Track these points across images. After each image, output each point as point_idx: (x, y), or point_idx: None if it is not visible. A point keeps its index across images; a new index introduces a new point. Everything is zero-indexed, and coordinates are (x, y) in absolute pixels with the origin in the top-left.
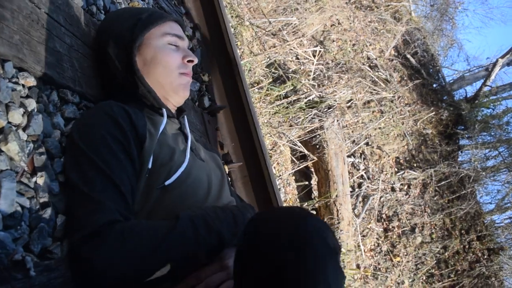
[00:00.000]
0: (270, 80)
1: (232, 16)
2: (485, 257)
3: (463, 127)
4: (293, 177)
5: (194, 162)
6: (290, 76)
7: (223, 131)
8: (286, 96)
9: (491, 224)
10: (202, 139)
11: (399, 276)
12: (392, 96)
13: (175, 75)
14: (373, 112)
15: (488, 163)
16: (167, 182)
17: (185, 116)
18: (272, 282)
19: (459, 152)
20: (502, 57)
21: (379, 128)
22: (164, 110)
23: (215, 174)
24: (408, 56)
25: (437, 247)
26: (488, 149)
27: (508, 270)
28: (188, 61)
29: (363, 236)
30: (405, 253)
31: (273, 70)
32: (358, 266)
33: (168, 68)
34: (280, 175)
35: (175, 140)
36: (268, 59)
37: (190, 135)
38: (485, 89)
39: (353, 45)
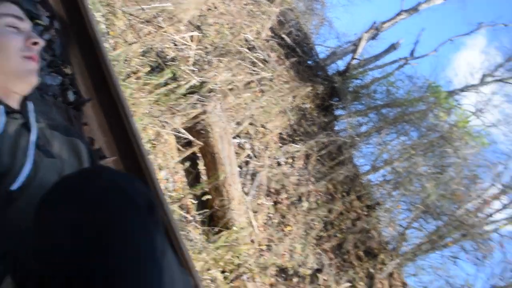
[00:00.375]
0: (148, 69)
1: (102, 5)
2: (365, 213)
3: (337, 99)
4: (181, 165)
5: (40, 162)
6: (169, 64)
7: (93, 126)
8: (166, 84)
9: (367, 183)
10: (64, 123)
11: (291, 244)
12: (271, 75)
13: (18, 59)
14: (254, 92)
15: (361, 129)
16: (9, 190)
17: (30, 107)
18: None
19: (336, 122)
20: (367, 32)
21: (261, 107)
22: (1, 107)
23: (69, 169)
24: (284, 36)
25: (323, 211)
26: (360, 116)
27: (384, 222)
28: (33, 44)
29: (255, 212)
30: (295, 222)
31: (150, 59)
32: (252, 241)
33: (9, 52)
34: (167, 165)
35: (18, 140)
36: (145, 48)
37: (35, 130)
38: (354, 62)
39: (231, 28)
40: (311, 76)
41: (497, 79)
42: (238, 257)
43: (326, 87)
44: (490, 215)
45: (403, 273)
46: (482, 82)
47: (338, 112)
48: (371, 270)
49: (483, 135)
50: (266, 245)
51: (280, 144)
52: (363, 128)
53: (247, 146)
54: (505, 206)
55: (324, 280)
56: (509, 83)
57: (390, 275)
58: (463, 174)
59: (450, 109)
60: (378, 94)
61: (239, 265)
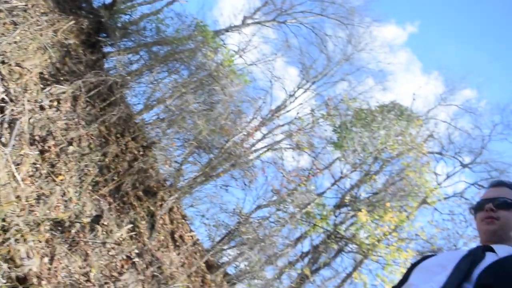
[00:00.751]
0: None
1: None
2: (141, 153)
3: (105, 35)
4: None
5: None
6: None
7: None
8: None
9: (142, 123)
10: None
11: (64, 194)
12: (25, 5)
13: None
14: (4, 24)
15: (132, 67)
16: None
17: None
18: None
19: (104, 60)
20: None
21: (15, 42)
22: None
23: None
24: None
25: (97, 156)
26: (131, 54)
27: (161, 160)
28: None
29: (17, 164)
30: (67, 170)
31: None
32: (18, 198)
33: None
34: None
35: None
36: None
37: None
38: None
39: None
40: (74, 8)
41: (256, 22)
42: (2, 219)
43: (92, 21)
44: (253, 145)
45: (182, 206)
46: (244, 23)
47: (106, 49)
48: (152, 208)
49: (245, 73)
50: (35, 199)
51: (42, 86)
52: (134, 66)
53: (0, 89)
54: (264, 136)
55: (105, 225)
56: (266, 26)
57: (170, 210)
58: (230, 109)
59: (217, 48)
60: (148, 32)
61: (4, 228)
